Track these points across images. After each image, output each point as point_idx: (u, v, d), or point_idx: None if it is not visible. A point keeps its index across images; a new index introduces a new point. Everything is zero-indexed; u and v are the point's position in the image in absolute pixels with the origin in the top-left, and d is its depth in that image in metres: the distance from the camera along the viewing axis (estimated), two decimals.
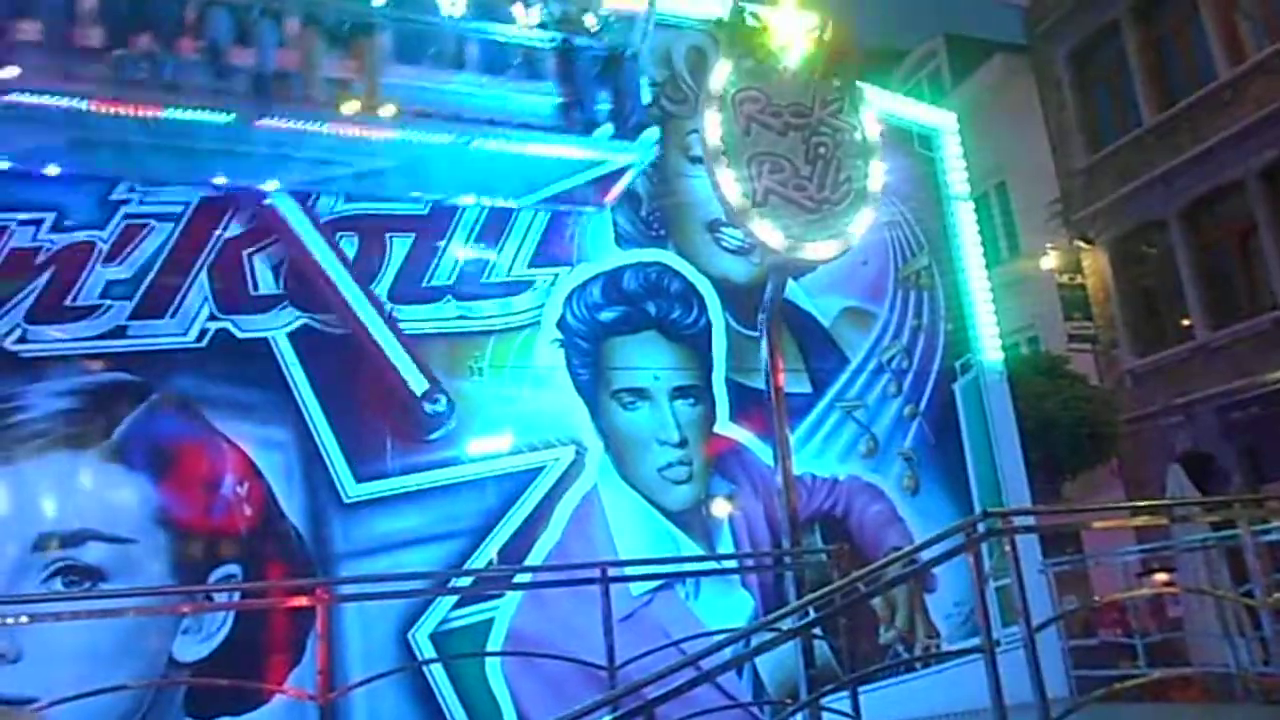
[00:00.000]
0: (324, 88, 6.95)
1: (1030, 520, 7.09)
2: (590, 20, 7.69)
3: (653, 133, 7.59)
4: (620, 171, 7.76)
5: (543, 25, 7.76)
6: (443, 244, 8.09)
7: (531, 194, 8.00)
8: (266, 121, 6.71)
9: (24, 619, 5.31)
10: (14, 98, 6.17)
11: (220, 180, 7.20)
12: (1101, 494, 15.61)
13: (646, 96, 7.86)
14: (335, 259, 7.55)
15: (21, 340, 6.92)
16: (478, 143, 7.33)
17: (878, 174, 5.86)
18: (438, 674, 7.09)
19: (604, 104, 7.50)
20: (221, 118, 6.63)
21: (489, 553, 7.54)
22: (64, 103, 6.33)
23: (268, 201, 7.35)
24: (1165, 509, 7.86)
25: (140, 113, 6.42)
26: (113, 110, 6.36)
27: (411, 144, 7.27)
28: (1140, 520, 8.12)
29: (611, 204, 8.16)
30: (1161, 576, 11.07)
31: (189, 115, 6.57)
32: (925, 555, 4.47)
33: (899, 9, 20.60)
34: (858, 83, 6.95)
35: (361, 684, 5.59)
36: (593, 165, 7.79)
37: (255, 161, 7.16)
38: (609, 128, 7.44)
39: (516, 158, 7.54)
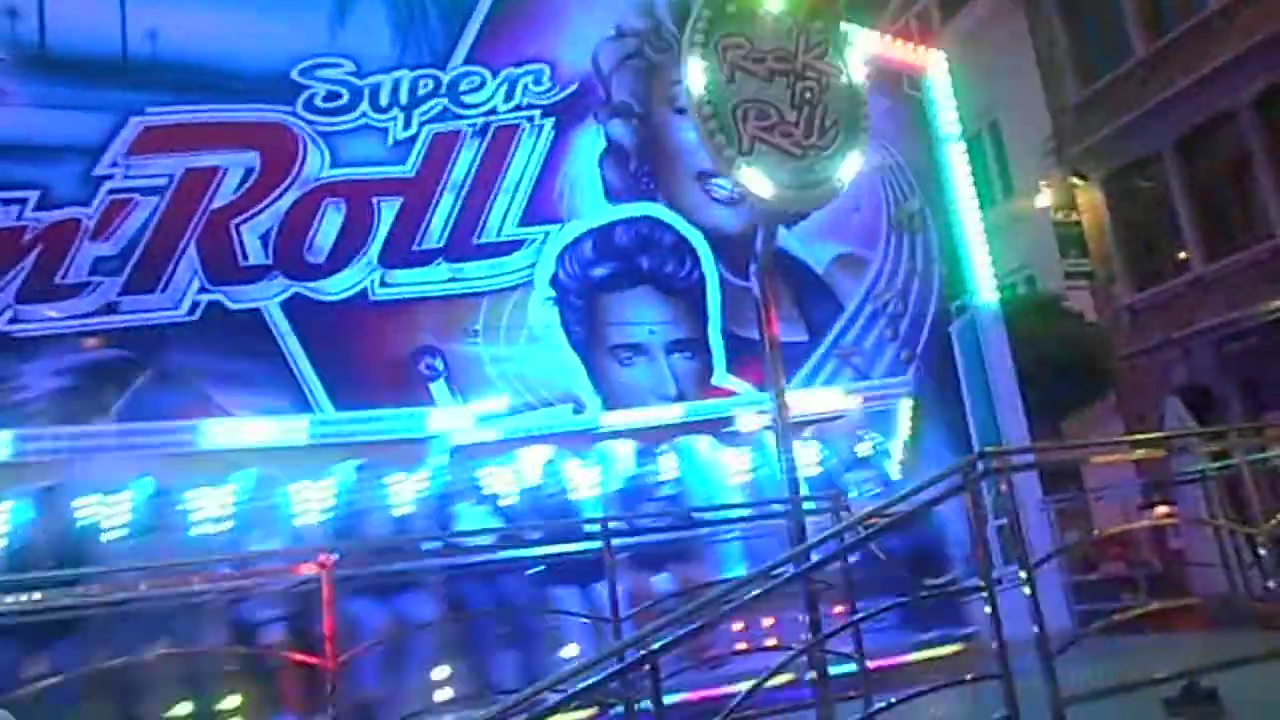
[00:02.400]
0: None
1: (1028, 457, 7.09)
2: None
3: None
4: None
5: None
6: (431, 206, 8.03)
7: None
8: None
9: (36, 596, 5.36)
10: None
11: None
12: (1101, 431, 15.65)
13: None
14: None
15: (14, 320, 6.90)
16: None
17: (866, 118, 5.79)
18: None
19: None
20: None
21: None
22: None
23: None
24: (1163, 441, 7.89)
25: None
26: None
27: None
28: (1139, 454, 8.15)
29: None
30: (1162, 509, 11.15)
31: None
32: (924, 496, 4.49)
33: None
34: (843, 25, 6.84)
35: (369, 646, 5.64)
36: None
37: None
38: None
39: None
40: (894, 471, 8.74)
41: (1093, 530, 12.20)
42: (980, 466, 4.12)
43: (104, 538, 6.49)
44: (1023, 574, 3.91)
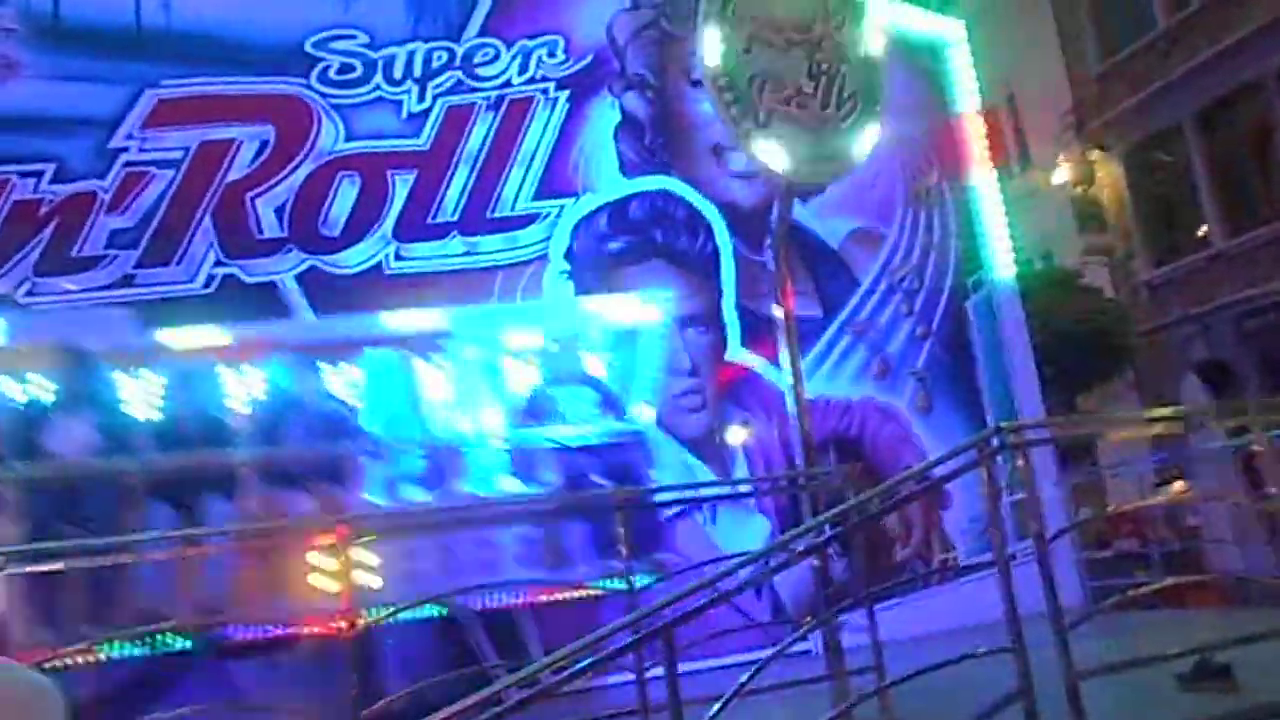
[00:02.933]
0: None
1: (1044, 433, 7.06)
2: None
3: None
4: None
5: None
6: (445, 180, 8.02)
7: None
8: None
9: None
10: None
11: None
12: (1118, 407, 15.59)
13: None
14: None
15: (31, 293, 6.95)
16: None
17: (884, 89, 5.73)
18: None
19: None
20: None
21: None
22: None
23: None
24: (1179, 417, 7.83)
25: None
26: None
27: None
28: (1156, 430, 8.10)
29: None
30: (1177, 485, 11.11)
31: None
32: (938, 471, 4.47)
33: None
34: None
35: (388, 616, 5.68)
36: None
37: None
38: None
39: None
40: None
41: (1107, 506, 12.18)
42: (996, 441, 4.09)
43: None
44: (1037, 549, 3.90)
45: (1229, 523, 8.47)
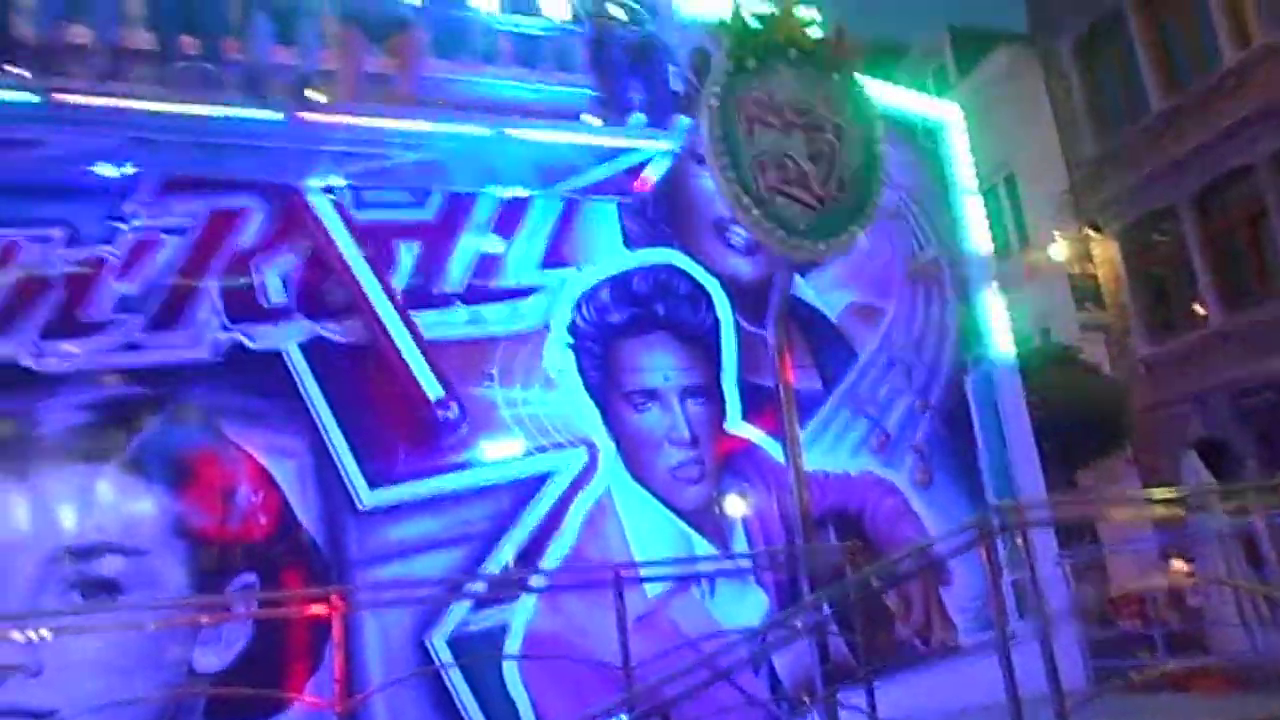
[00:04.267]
0: (364, 83, 7.41)
1: (1043, 513, 7.06)
2: (617, 11, 8.23)
3: (684, 120, 7.69)
4: (650, 160, 7.97)
5: (574, 19, 8.36)
6: (451, 249, 8.12)
7: (562, 183, 8.29)
8: (309, 115, 7.07)
9: (45, 633, 5.35)
10: (67, 97, 6.64)
11: (255, 178, 7.40)
12: (1117, 484, 15.55)
13: (677, 85, 7.98)
14: (361, 258, 7.60)
15: (37, 356, 6.98)
16: (514, 131, 7.73)
17: (883, 170, 5.87)
18: (455, 678, 7.12)
19: (635, 93, 7.76)
20: (267, 114, 7.03)
21: (504, 556, 7.56)
22: (117, 103, 6.83)
23: (314, 198, 7.49)
24: (1179, 498, 7.82)
25: (189, 110, 6.90)
26: (163, 109, 6.85)
27: (447, 136, 7.66)
28: (1156, 510, 8.09)
29: (645, 193, 8.34)
30: (1179, 565, 11.02)
31: (234, 112, 7.02)
32: (938, 550, 4.48)
33: (901, 3, 20.56)
34: (860, 78, 6.95)
35: (379, 690, 5.62)
36: (625, 154, 8.13)
37: (290, 157, 7.42)
38: (641, 116, 7.62)
39: (549, 148, 7.92)
40: None
41: (1108, 585, 12.07)
42: (996, 521, 4.11)
43: None
44: (1038, 630, 3.88)
45: (1232, 604, 8.38)
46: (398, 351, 7.47)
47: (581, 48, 8.43)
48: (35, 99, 6.58)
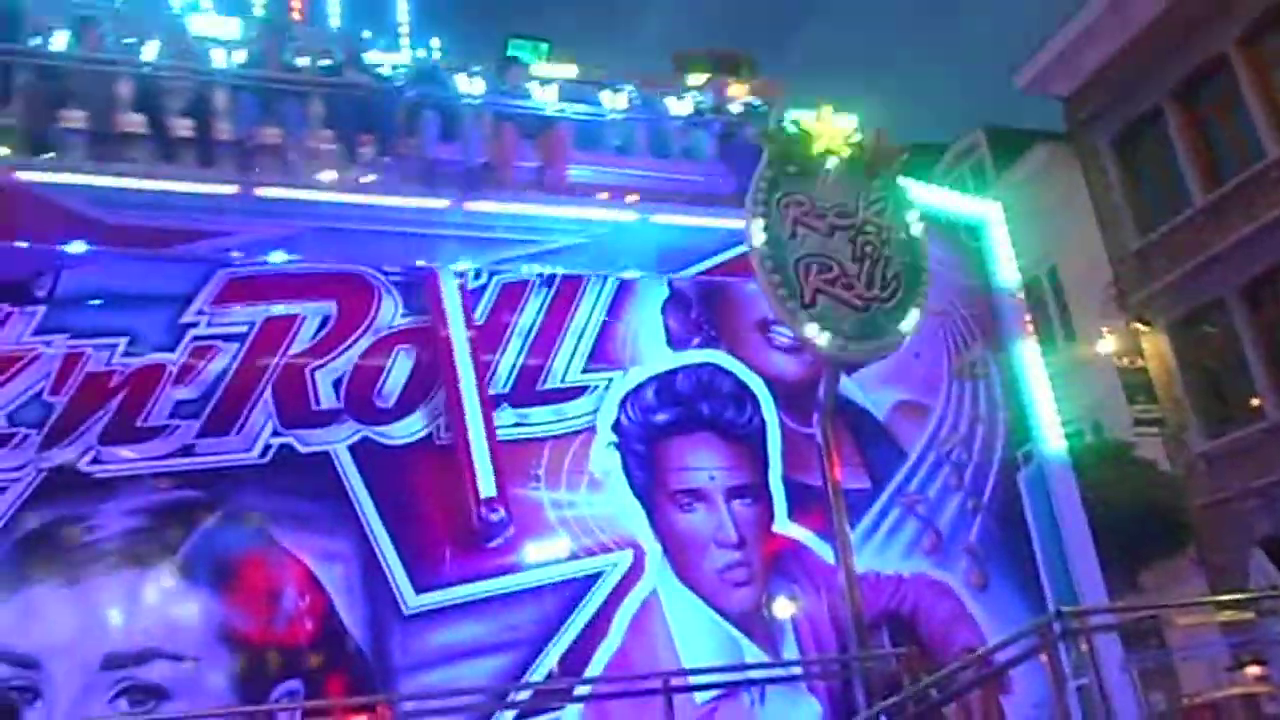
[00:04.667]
0: (518, 173, 8.48)
1: (1108, 618, 6.82)
2: (738, 108, 9.49)
3: None
4: None
5: (698, 113, 9.45)
6: (497, 354, 8.23)
7: (693, 266, 8.89)
8: (477, 205, 8.04)
9: None
10: (261, 191, 7.64)
11: (421, 262, 8.15)
12: (1181, 583, 14.99)
13: None
14: (469, 352, 7.95)
15: (95, 461, 7.12)
16: (657, 217, 8.54)
17: (927, 270, 5.92)
18: None
19: None
20: (436, 203, 8.00)
21: (550, 661, 7.44)
22: (306, 195, 7.80)
23: (473, 282, 8.26)
24: (1248, 601, 7.54)
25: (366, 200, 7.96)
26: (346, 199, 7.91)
27: (592, 222, 8.53)
28: (1225, 615, 7.79)
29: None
30: (1253, 670, 10.52)
31: (408, 202, 8.03)
32: (999, 657, 4.33)
33: (937, 106, 20.94)
34: (901, 179, 7.05)
35: None
36: None
37: (451, 243, 8.16)
38: None
39: (686, 231, 8.70)
40: None
41: (1180, 692, 11.55)
42: (1058, 627, 3.98)
43: None
44: None
45: None
46: (468, 448, 7.62)
47: (710, 140, 9.44)
48: (233, 190, 7.55)
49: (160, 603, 6.87)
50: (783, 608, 8.28)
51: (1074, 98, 18.31)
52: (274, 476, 7.40)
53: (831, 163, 5.74)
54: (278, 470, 7.42)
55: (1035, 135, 19.79)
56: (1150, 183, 17.33)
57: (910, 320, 5.73)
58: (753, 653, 7.99)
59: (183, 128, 7.83)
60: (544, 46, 10.43)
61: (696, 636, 7.90)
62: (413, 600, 7.33)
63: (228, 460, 7.35)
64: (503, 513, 7.62)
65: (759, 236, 5.43)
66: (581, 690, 7.35)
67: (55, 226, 7.10)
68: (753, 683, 7.60)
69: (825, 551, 8.39)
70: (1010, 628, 5.72)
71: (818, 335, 5.37)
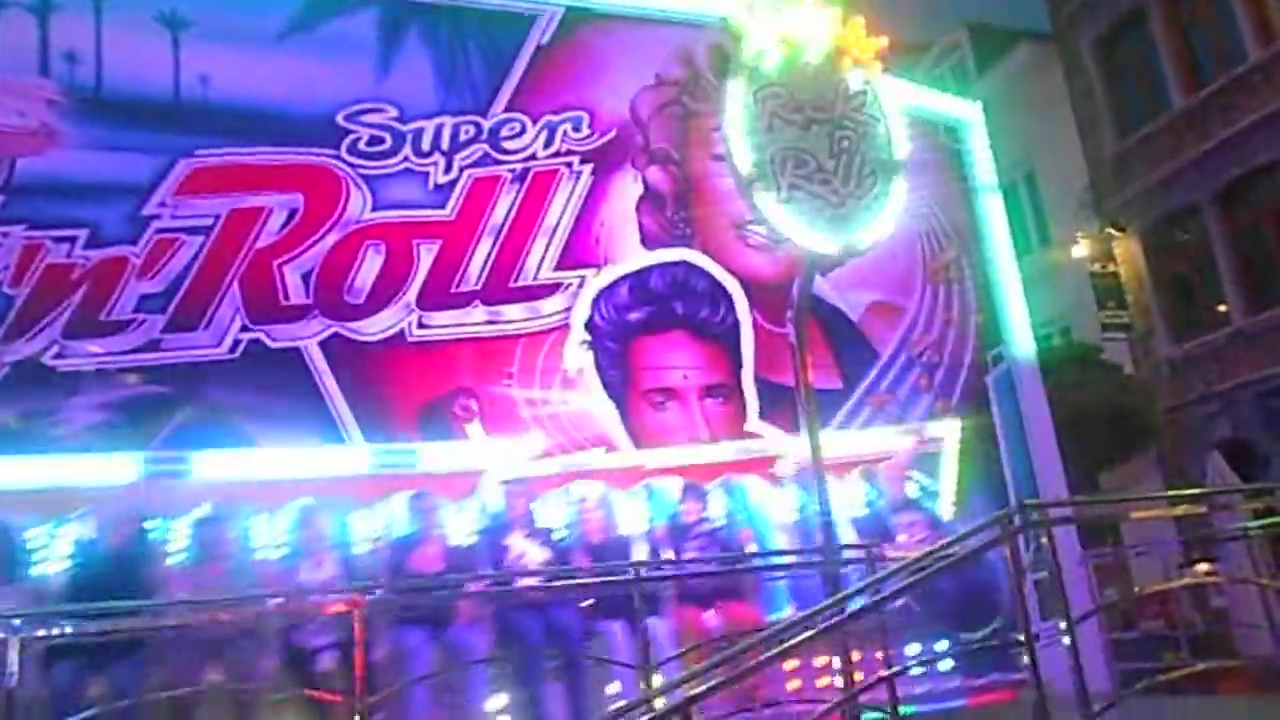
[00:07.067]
0: None
1: (1067, 511, 6.99)
2: None
3: None
4: None
5: None
6: (470, 250, 8.13)
7: None
8: None
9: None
10: None
11: None
12: (1141, 485, 15.40)
13: None
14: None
15: (59, 355, 7.03)
16: None
17: (903, 167, 5.85)
18: None
19: None
20: None
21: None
22: None
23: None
24: (1204, 498, 7.73)
25: None
26: None
27: None
28: (1180, 510, 8.00)
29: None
30: (1203, 566, 10.89)
31: None
32: (961, 549, 4.43)
33: (920, 1, 20.46)
34: (881, 75, 6.91)
35: (400, 688, 5.61)
36: None
37: None
38: None
39: None
40: (945, 513, 8.62)
41: (1132, 586, 11.95)
42: (1019, 519, 4.06)
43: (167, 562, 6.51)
44: (1063, 630, 3.84)
45: (1258, 605, 8.27)
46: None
47: None
48: None
49: None
50: None
51: None
52: (245, 372, 7.35)
53: (810, 54, 5.62)
54: (248, 366, 7.37)
55: (1019, 35, 19.46)
56: (1131, 85, 17.18)
57: (886, 218, 5.69)
58: None
59: None
60: None
61: None
62: None
63: (196, 355, 7.28)
64: (475, 408, 7.64)
65: (735, 128, 5.33)
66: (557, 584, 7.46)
67: None
68: (718, 574, 7.75)
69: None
70: (974, 524, 5.84)
71: (792, 231, 5.33)
